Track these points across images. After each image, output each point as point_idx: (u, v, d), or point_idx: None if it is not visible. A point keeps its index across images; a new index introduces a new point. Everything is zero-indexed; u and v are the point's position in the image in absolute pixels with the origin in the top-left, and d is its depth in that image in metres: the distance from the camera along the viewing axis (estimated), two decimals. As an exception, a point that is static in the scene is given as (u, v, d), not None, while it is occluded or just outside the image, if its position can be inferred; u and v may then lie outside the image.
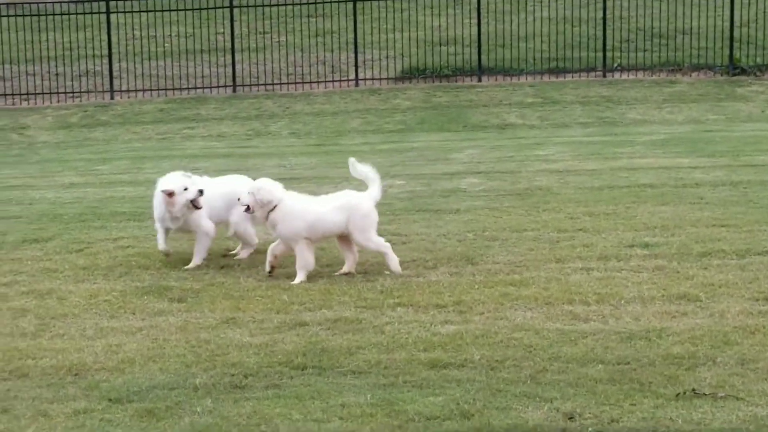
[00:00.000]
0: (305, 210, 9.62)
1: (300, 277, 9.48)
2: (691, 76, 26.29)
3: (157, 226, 10.49)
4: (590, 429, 5.97)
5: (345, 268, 9.76)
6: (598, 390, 6.55)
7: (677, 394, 6.45)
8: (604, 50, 26.88)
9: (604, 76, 26.73)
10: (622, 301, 8.56)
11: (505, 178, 15.20)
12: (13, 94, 27.05)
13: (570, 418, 6.12)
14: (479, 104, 24.91)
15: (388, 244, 9.76)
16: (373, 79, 27.22)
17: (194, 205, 10.14)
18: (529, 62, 27.18)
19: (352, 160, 9.94)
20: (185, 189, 10.08)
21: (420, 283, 9.34)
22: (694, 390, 6.50)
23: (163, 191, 10.10)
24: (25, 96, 27.01)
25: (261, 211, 9.62)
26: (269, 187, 9.67)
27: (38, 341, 7.97)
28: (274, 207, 9.58)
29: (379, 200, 9.89)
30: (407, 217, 12.37)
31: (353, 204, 9.68)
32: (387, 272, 9.73)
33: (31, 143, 23.11)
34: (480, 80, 26.91)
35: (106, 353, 7.61)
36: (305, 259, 9.54)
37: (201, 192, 10.11)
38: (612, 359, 7.14)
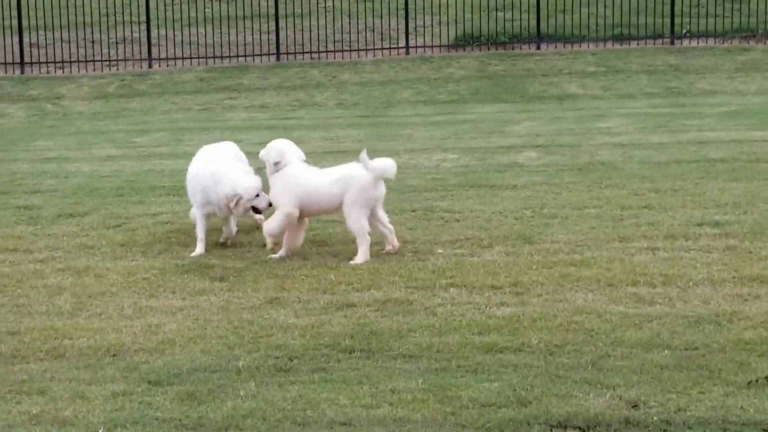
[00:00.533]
0: (305, 180, 9.69)
1: (274, 251, 9.66)
2: (765, 43, 25.94)
3: (198, 213, 10.18)
4: (655, 418, 5.95)
5: (388, 247, 9.77)
6: (663, 377, 6.52)
7: (749, 382, 6.40)
8: (672, 16, 26.59)
9: (672, 43, 26.45)
10: (690, 283, 8.50)
11: (565, 152, 15.12)
12: (47, 62, 27.30)
13: (634, 407, 6.10)
14: (538, 73, 24.77)
15: (368, 238, 9.60)
16: (424, 46, 27.13)
17: (255, 210, 10.04)
18: (591, 29, 26.95)
19: (363, 155, 9.81)
20: (257, 196, 9.91)
21: (474, 262, 9.33)
22: (767, 377, 6.45)
23: (228, 195, 9.84)
24: (60, 64, 27.25)
25: (269, 171, 9.79)
26: (280, 148, 9.80)
27: (75, 320, 8.08)
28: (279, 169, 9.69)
29: (384, 177, 9.77)
30: (461, 193, 12.35)
31: (352, 176, 9.66)
32: (440, 251, 9.74)
33: (66, 114, 23.32)
34: (539, 48, 26.74)
35: (146, 334, 7.70)
36: (278, 227, 9.65)
37: (270, 204, 9.90)
38: (679, 344, 7.11)
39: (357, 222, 9.58)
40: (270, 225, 9.69)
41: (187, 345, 7.41)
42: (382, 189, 9.75)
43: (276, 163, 9.75)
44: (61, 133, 20.14)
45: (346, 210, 9.61)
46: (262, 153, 9.91)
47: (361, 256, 9.51)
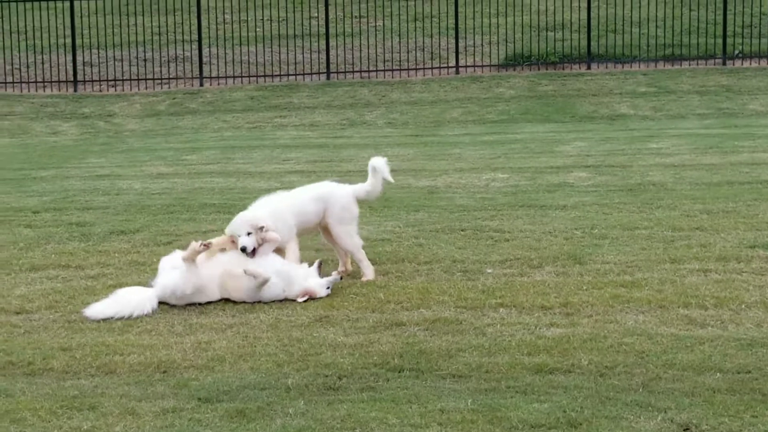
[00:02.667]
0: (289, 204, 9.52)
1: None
2: (819, 64, 25.70)
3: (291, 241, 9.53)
4: (707, 442, 5.89)
5: (340, 269, 9.66)
6: (716, 400, 6.45)
7: (803, 407, 6.32)
8: (724, 36, 26.42)
9: (724, 63, 26.27)
10: (743, 306, 8.42)
11: (615, 173, 15.05)
12: (100, 81, 27.61)
13: (686, 430, 6.04)
14: (588, 93, 24.68)
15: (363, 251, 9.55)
16: (474, 66, 27.14)
17: None
18: (642, 49, 26.84)
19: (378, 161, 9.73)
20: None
21: (524, 282, 9.30)
22: (821, 403, 6.37)
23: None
24: (113, 82, 27.55)
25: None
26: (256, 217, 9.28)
27: (126, 336, 8.14)
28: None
29: (366, 197, 9.75)
30: (510, 213, 12.32)
31: (330, 194, 9.61)
32: (489, 270, 9.72)
33: (119, 131, 23.56)
34: (589, 68, 26.66)
35: (195, 350, 7.73)
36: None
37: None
38: (731, 368, 7.03)
39: (349, 240, 9.56)
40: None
41: (236, 362, 7.44)
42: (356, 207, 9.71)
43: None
44: (112, 151, 20.34)
45: (334, 232, 9.56)
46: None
47: (368, 269, 9.51)
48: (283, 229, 9.30)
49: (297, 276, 9.00)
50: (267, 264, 9.00)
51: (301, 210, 9.55)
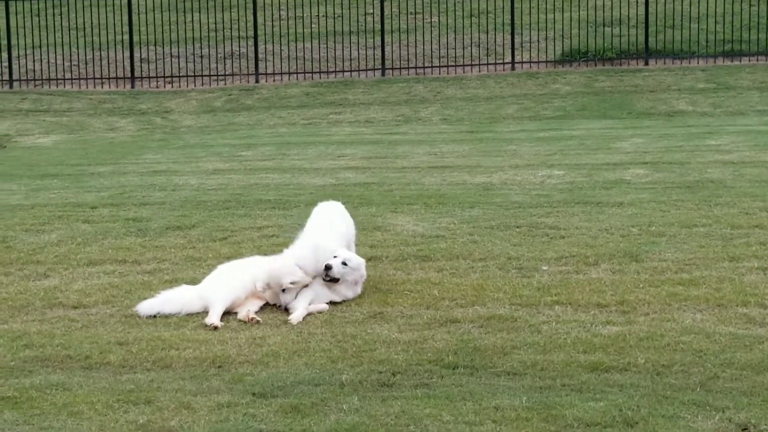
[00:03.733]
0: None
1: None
2: None
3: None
4: (766, 442, 5.83)
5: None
6: (775, 400, 6.38)
7: None
8: (785, 31, 26.08)
9: (785, 59, 25.93)
10: (803, 305, 8.31)
11: (673, 170, 14.92)
12: (157, 77, 27.83)
13: (744, 430, 5.98)
14: (646, 89, 24.49)
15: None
16: (530, 62, 27.03)
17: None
18: (701, 44, 26.57)
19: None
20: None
21: (580, 280, 9.25)
22: None
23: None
24: (169, 79, 27.76)
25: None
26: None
27: (181, 331, 8.19)
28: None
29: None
30: (566, 210, 12.26)
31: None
32: (544, 268, 9.68)
33: (175, 127, 23.73)
34: (647, 63, 26.44)
35: (250, 346, 7.77)
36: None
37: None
38: (791, 367, 6.95)
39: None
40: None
41: (291, 358, 7.47)
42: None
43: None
44: (169, 147, 20.50)
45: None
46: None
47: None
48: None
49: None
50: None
51: None
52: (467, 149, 18.19)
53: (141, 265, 10.36)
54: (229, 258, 10.36)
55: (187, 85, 27.47)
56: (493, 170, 15.56)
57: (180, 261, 10.44)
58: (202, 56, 28.36)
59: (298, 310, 8.54)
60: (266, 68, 27.68)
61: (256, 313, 8.57)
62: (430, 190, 14.03)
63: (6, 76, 27.99)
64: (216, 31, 29.01)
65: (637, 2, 27.39)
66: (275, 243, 11.06)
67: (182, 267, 10.20)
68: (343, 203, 10.03)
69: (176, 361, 7.48)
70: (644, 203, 12.49)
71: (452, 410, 6.35)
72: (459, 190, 13.92)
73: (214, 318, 8.38)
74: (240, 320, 8.44)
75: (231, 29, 28.97)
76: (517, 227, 11.41)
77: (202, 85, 27.44)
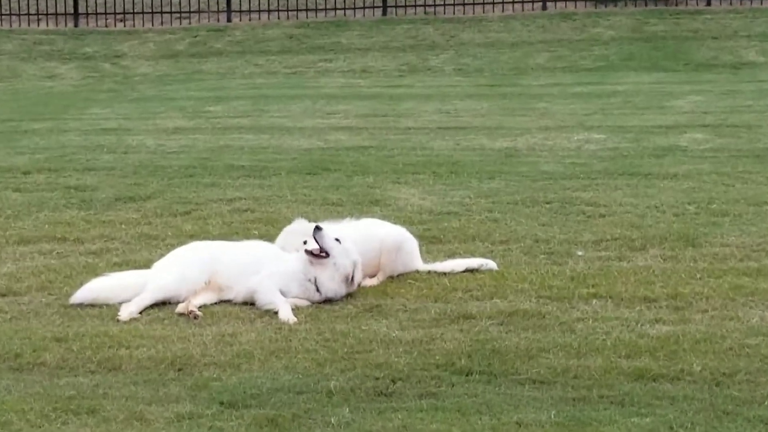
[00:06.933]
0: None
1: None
2: None
3: None
4: None
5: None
6: None
7: None
8: None
9: None
10: None
11: (740, 134, 14.93)
12: (105, 14, 27.78)
13: (821, 454, 6.00)
14: (707, 36, 24.48)
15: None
16: (565, 0, 26.99)
17: None
18: (775, -20, 26.53)
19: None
20: None
21: (623, 268, 9.26)
22: None
23: None
24: (121, 16, 27.70)
25: None
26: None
27: (133, 326, 8.20)
28: None
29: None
30: (607, 183, 12.27)
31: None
32: (580, 253, 9.69)
33: (128, 76, 23.72)
34: (709, 4, 26.41)
35: (218, 344, 7.78)
36: None
37: None
38: None
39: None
40: None
41: (267, 360, 7.48)
42: None
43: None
44: (120, 100, 20.48)
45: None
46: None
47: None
48: None
49: None
50: None
51: None
52: (486, 107, 18.19)
53: (84, 244, 10.35)
54: (192, 236, 10.39)
55: (143, 24, 27.43)
56: (519, 133, 15.55)
57: (132, 239, 10.44)
58: (161, -11, 28.29)
59: (279, 305, 8.44)
60: (240, 4, 27.61)
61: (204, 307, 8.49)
62: (440, 156, 14.03)
63: None
64: (179, -43, 28.95)
65: (698, -72, 27.34)
66: (249, 219, 11.07)
67: (135, 247, 10.20)
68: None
69: (126, 363, 7.48)
70: (703, 175, 12.49)
71: (465, 426, 6.36)
72: (476, 156, 13.92)
73: (132, 308, 8.40)
74: (179, 313, 8.40)
75: (198, -44, 28.91)
76: (547, 203, 11.42)
77: (161, 24, 27.40)
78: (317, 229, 8.70)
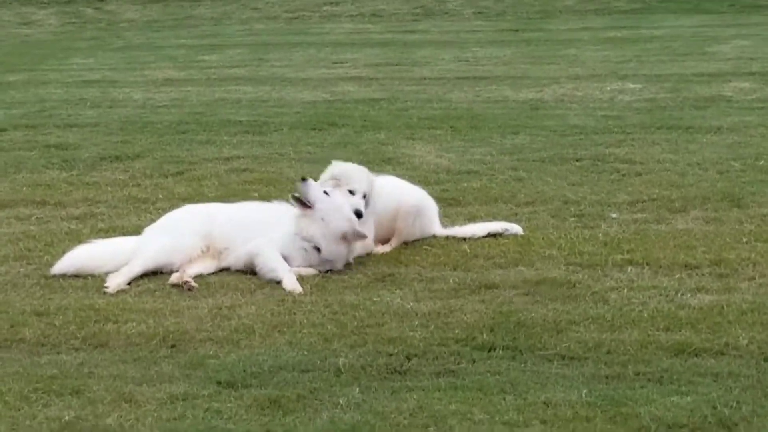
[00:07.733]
0: None
1: None
2: None
3: None
4: None
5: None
6: None
7: None
8: None
9: None
10: None
11: (790, 83, 14.91)
12: (87, -47, 27.74)
13: None
14: (755, -27, 24.41)
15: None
16: (597, -66, 26.90)
17: None
18: None
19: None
20: None
21: (661, 232, 9.26)
22: None
23: None
24: (105, -44, 27.66)
25: None
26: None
27: (121, 298, 8.21)
28: None
29: None
30: (644, 137, 12.25)
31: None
32: (614, 215, 9.69)
33: (112, 22, 23.69)
34: (756, -62, 26.28)
35: (215, 318, 7.78)
36: None
37: None
38: None
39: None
40: None
41: (269, 335, 7.48)
42: None
43: None
44: (104, 48, 20.46)
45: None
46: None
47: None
48: None
49: None
50: None
51: None
52: (510, 54, 18.15)
53: (67, 208, 10.37)
54: (185, 199, 10.40)
55: (129, -35, 27.38)
56: (545, 83, 15.52)
57: (119, 203, 10.45)
58: (149, -75, 28.24)
59: (283, 273, 8.47)
60: (237, -58, 27.56)
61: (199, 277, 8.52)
62: (459, 109, 14.02)
63: None
64: None
65: None
66: (248, 180, 11.07)
67: (122, 211, 10.21)
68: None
69: (114, 339, 7.49)
70: (750, 128, 12.48)
71: (486, 406, 6.36)
72: (498, 109, 13.90)
73: (120, 279, 8.42)
74: (172, 284, 8.42)
75: None
76: (577, 161, 11.41)
77: (150, -36, 27.35)
78: (302, 180, 8.80)
